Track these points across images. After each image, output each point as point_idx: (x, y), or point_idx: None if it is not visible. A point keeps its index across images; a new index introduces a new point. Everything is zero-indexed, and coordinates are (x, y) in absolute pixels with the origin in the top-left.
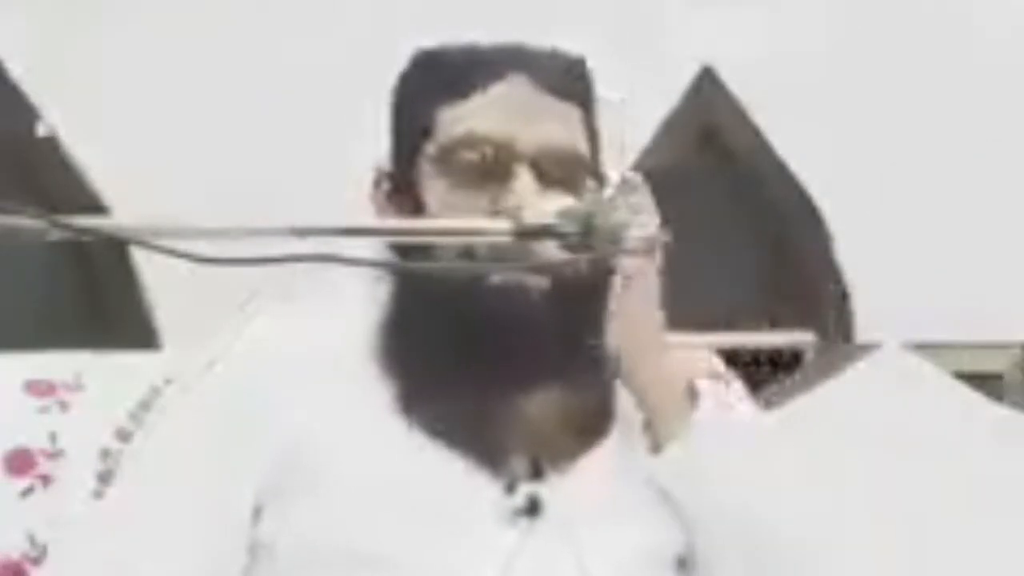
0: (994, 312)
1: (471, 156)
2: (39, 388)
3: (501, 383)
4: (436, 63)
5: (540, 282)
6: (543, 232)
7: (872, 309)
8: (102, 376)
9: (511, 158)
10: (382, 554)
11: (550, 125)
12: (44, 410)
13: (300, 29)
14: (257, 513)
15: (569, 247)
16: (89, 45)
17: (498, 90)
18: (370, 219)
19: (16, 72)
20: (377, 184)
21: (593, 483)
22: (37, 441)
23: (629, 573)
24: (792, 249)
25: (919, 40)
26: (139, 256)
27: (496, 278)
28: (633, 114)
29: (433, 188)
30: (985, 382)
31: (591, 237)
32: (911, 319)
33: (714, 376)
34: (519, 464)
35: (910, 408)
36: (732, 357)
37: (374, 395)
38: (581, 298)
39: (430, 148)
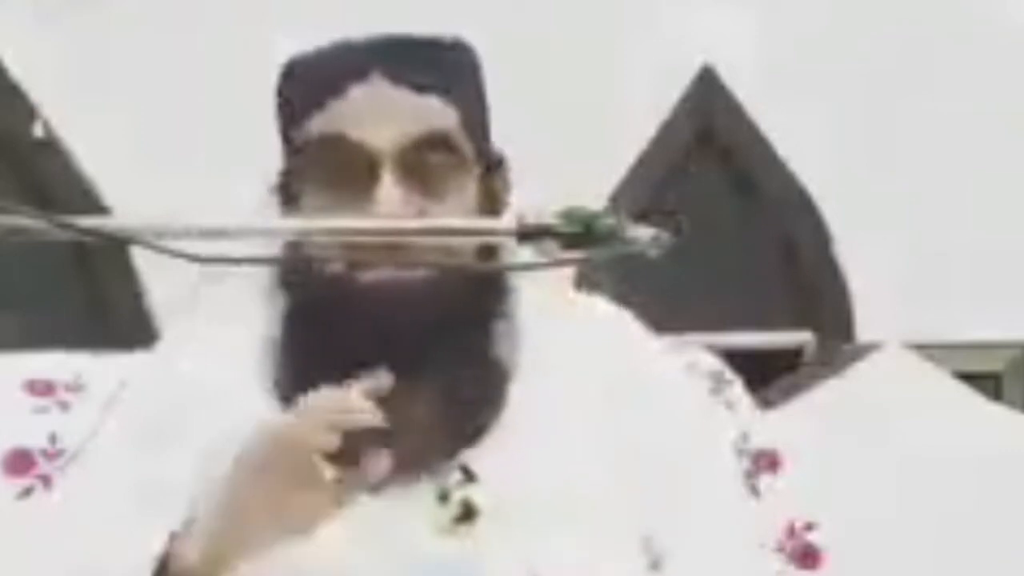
0: (994, 312)
1: (331, 161)
2: (39, 388)
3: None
4: (301, 72)
5: (416, 277)
6: (543, 232)
7: (872, 309)
8: (102, 376)
9: (372, 160)
10: None
11: (409, 120)
12: (44, 410)
13: (301, 28)
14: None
15: (570, 247)
16: (90, 46)
17: (356, 92)
18: (370, 220)
19: (16, 72)
20: (271, 195)
21: (534, 478)
22: (37, 441)
23: (584, 566)
24: (792, 249)
25: (918, 39)
26: (139, 256)
27: (368, 277)
28: (632, 114)
29: (308, 200)
30: (984, 382)
31: (591, 237)
32: (911, 319)
33: (714, 375)
34: (449, 471)
35: (910, 407)
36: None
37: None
38: (465, 291)
39: (299, 160)
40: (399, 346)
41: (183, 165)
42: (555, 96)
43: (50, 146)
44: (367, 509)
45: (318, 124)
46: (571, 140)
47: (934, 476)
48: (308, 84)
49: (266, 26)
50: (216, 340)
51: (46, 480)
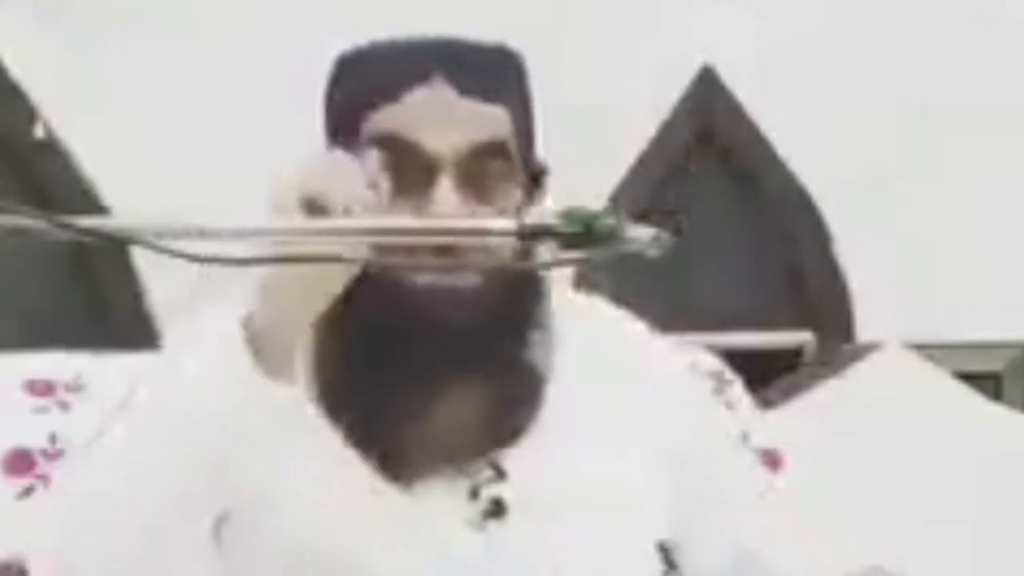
0: (994, 312)
1: (387, 162)
2: (39, 388)
3: (421, 386)
4: (359, 69)
5: (469, 282)
6: (543, 232)
7: (872, 309)
8: (102, 376)
9: (430, 164)
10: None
11: (471, 127)
12: (44, 410)
13: (301, 28)
14: (216, 533)
15: (570, 247)
16: (90, 46)
17: (417, 95)
18: (371, 219)
19: (16, 72)
20: None
21: (561, 477)
22: (37, 441)
23: (605, 566)
24: (792, 249)
25: (918, 39)
26: (139, 256)
27: (422, 280)
28: (632, 114)
29: None
30: (984, 382)
31: (591, 237)
32: (911, 319)
33: (714, 375)
34: (481, 468)
35: (910, 407)
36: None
37: (310, 412)
38: (511, 297)
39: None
40: (446, 349)
41: (183, 165)
42: (555, 96)
43: (50, 146)
44: (399, 504)
45: (373, 124)
46: (571, 140)
47: (934, 476)
48: (364, 83)
49: (267, 27)
50: (216, 340)
51: (46, 480)
